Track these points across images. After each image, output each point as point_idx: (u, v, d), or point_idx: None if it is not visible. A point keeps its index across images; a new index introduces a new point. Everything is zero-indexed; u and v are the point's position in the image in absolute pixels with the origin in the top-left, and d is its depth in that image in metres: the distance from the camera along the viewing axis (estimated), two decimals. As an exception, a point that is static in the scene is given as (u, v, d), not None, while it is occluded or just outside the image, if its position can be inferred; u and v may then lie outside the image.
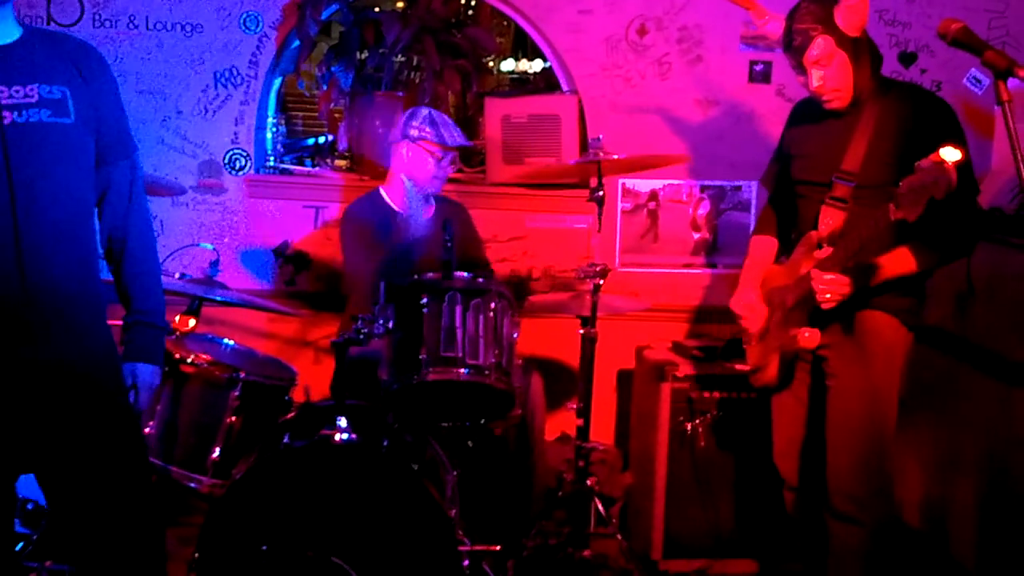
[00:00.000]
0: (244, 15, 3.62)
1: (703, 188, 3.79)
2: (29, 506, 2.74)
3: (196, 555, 2.41)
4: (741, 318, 2.69)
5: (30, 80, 1.83)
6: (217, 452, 2.70)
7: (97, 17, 3.57)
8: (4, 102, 1.79)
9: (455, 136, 3.19)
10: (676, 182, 3.76)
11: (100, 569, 1.94)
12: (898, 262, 2.40)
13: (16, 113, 1.80)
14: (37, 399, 1.85)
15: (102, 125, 1.95)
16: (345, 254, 3.23)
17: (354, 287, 3.21)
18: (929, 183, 2.08)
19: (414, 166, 3.20)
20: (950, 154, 2.05)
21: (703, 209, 3.79)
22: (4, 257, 1.79)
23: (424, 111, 3.22)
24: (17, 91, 1.81)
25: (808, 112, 2.62)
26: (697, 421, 3.17)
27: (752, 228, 2.95)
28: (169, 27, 3.60)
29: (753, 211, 3.77)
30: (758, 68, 3.73)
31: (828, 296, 2.38)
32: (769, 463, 2.76)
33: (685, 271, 3.81)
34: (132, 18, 3.59)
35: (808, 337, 2.49)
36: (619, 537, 3.01)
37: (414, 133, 3.17)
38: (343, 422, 2.54)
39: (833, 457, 2.50)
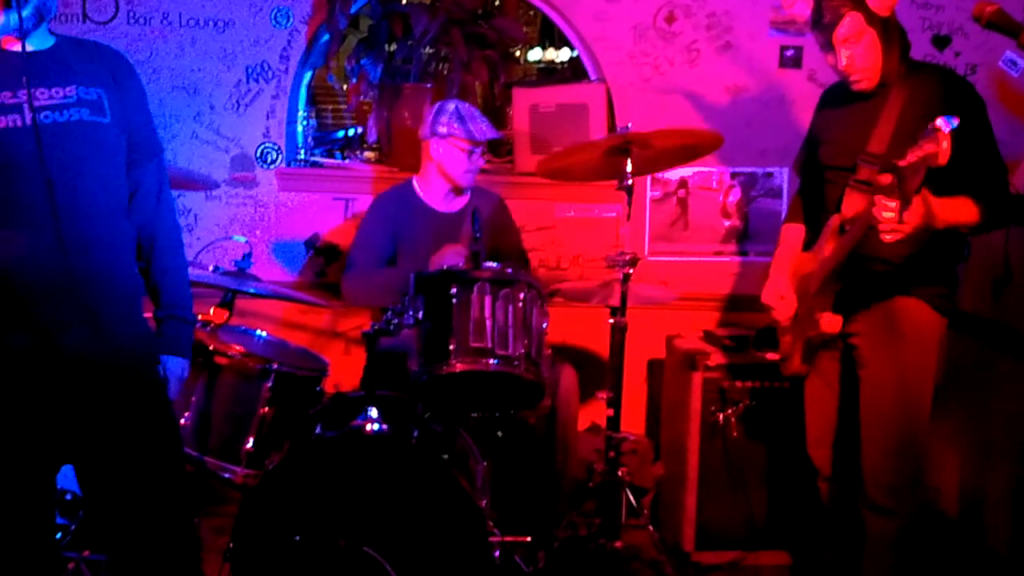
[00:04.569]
0: (274, 10, 3.64)
1: (733, 175, 3.75)
2: (67, 496, 2.79)
3: (231, 545, 2.45)
4: (772, 310, 2.67)
5: (68, 82, 1.89)
6: (251, 442, 2.73)
7: (131, 14, 3.62)
8: (44, 102, 1.86)
9: (484, 130, 3.20)
10: (706, 169, 3.73)
11: (135, 558, 1.97)
12: (958, 208, 2.30)
13: (57, 112, 1.86)
14: (76, 389, 1.89)
15: (132, 127, 2.01)
16: (360, 227, 3.27)
17: (354, 256, 3.22)
18: (925, 154, 2.03)
19: (446, 162, 3.21)
20: (944, 122, 2.02)
21: (733, 196, 3.76)
22: (45, 249, 1.83)
23: (451, 106, 3.23)
24: (56, 92, 1.88)
25: (835, 97, 2.60)
26: (729, 411, 3.15)
27: (783, 216, 2.92)
28: (201, 23, 3.63)
29: (785, 198, 3.73)
30: (788, 53, 3.69)
31: (889, 215, 2.17)
32: (802, 453, 2.73)
33: (716, 259, 3.79)
34: (165, 15, 3.62)
35: (829, 322, 2.46)
36: (651, 528, 3.00)
37: (443, 130, 3.19)
38: (374, 413, 2.56)
39: (867, 447, 2.48)
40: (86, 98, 1.90)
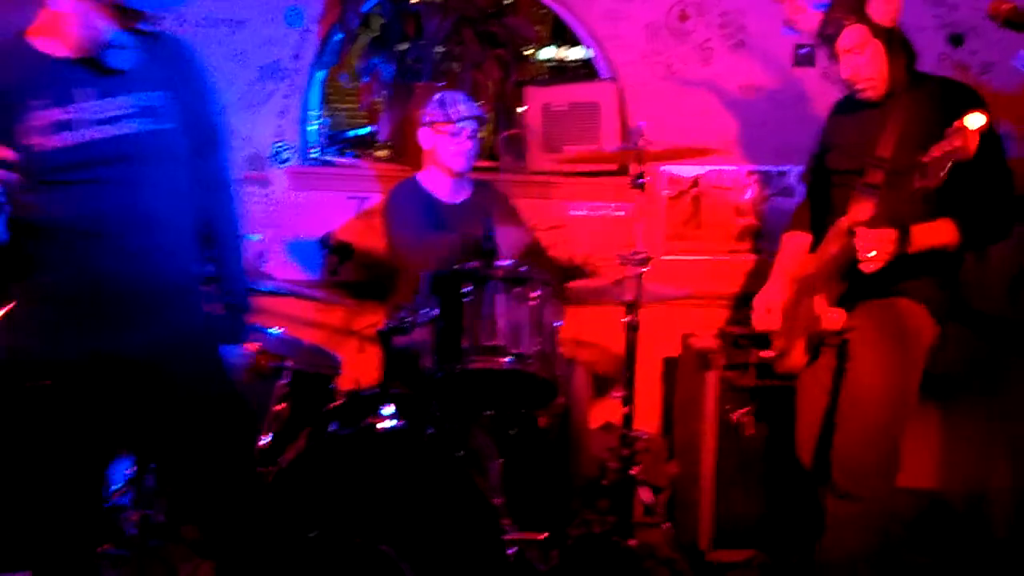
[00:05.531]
0: (287, 10, 3.65)
1: (748, 173, 3.74)
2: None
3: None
4: (754, 314, 2.70)
5: (128, 91, 1.87)
6: (265, 439, 2.73)
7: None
8: (103, 115, 1.84)
9: (460, 110, 3.23)
10: (720, 168, 3.72)
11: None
12: (935, 231, 2.36)
13: (116, 125, 1.85)
14: (138, 387, 1.92)
15: (197, 122, 2.01)
16: (392, 234, 3.27)
17: (406, 263, 3.22)
18: (951, 149, 2.07)
19: (436, 149, 3.26)
20: (973, 120, 2.05)
21: (748, 194, 3.75)
22: (111, 256, 1.86)
23: (436, 96, 3.29)
24: (115, 103, 1.86)
25: (845, 105, 2.64)
26: (743, 410, 3.14)
27: (788, 224, 2.91)
28: (214, 23, 3.64)
29: (798, 196, 3.71)
30: (803, 51, 3.68)
31: (873, 254, 2.29)
32: (791, 458, 2.74)
33: (730, 258, 3.77)
34: (179, 15, 3.63)
35: (832, 318, 2.46)
36: (665, 526, 2.99)
37: (427, 119, 3.26)
38: (388, 410, 2.56)
39: (840, 435, 2.50)
40: (146, 105, 1.88)
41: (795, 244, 2.78)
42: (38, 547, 1.90)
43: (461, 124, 3.22)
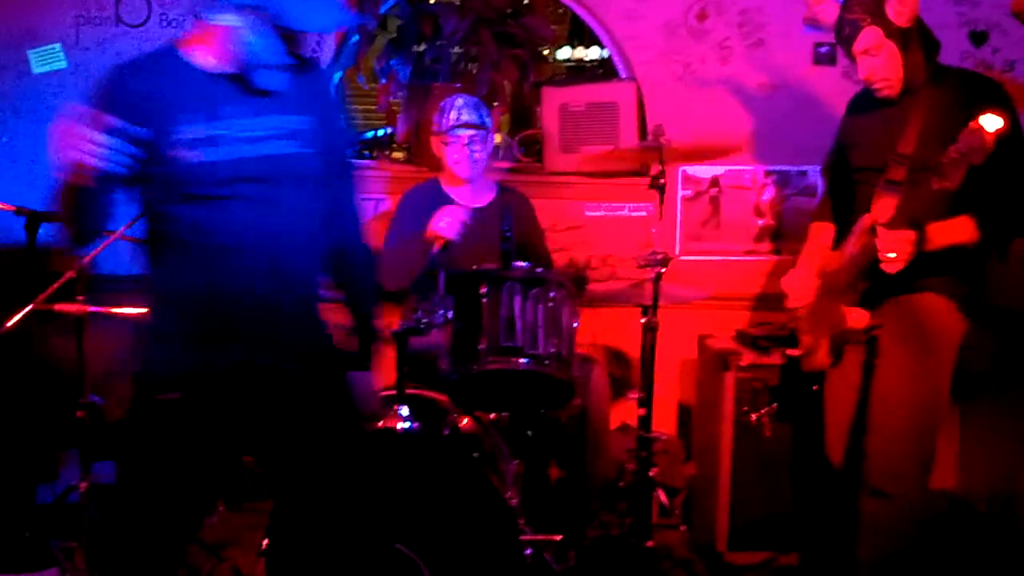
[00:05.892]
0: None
1: (767, 173, 3.72)
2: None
3: (267, 541, 2.46)
4: (787, 296, 2.67)
5: (273, 112, 1.88)
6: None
7: (164, 18, 3.64)
8: (248, 134, 1.85)
9: (451, 118, 3.19)
10: (739, 168, 3.70)
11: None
12: (954, 229, 2.35)
13: (260, 145, 1.86)
14: (265, 400, 1.94)
15: (333, 149, 2.01)
16: (392, 221, 3.30)
17: (387, 242, 3.24)
18: (966, 150, 2.08)
19: (442, 156, 3.26)
20: (989, 122, 2.06)
21: (767, 195, 3.73)
22: (246, 274, 1.87)
23: (442, 104, 3.27)
24: (260, 123, 1.87)
25: (864, 101, 2.62)
26: (762, 411, 3.12)
27: (813, 215, 2.90)
28: (232, 25, 3.65)
29: (819, 196, 3.69)
30: (823, 50, 3.65)
31: (893, 255, 2.30)
32: (820, 457, 2.72)
33: (749, 258, 3.75)
34: (197, 17, 3.65)
35: (856, 318, 2.46)
36: (682, 528, 2.98)
37: (434, 128, 3.27)
38: (404, 411, 2.57)
39: (873, 434, 2.48)
40: (296, 128, 1.90)
41: (822, 233, 2.77)
42: (144, 552, 1.93)
43: (455, 132, 3.20)
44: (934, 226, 2.32)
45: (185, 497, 1.94)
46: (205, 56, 1.84)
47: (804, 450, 3.04)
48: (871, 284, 2.45)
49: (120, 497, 1.97)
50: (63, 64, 3.56)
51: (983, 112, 2.10)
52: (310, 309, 2.02)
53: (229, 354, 1.90)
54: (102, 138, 1.68)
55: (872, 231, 2.38)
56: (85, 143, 1.68)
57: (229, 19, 1.77)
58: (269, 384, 1.94)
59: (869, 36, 2.41)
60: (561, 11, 4.22)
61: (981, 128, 2.05)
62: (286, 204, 1.90)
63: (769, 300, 3.70)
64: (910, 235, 2.29)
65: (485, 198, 3.31)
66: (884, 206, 2.40)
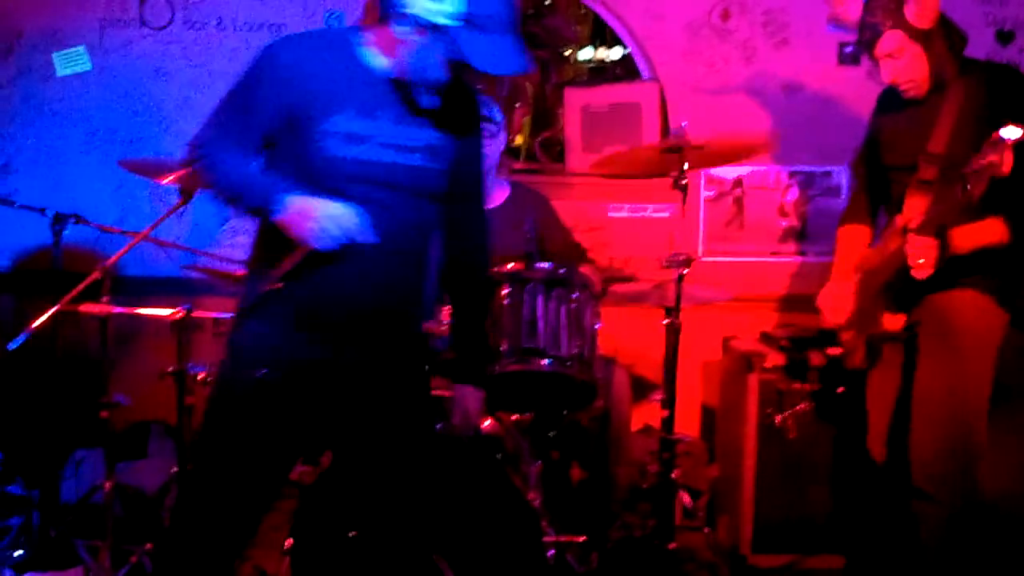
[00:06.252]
0: (327, 13, 3.67)
1: (791, 174, 3.69)
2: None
3: (291, 541, 2.47)
4: (823, 314, 2.65)
5: (421, 125, 1.91)
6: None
7: (187, 19, 3.67)
8: (394, 141, 1.89)
9: None
10: (762, 168, 3.68)
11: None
12: (983, 231, 2.34)
13: (402, 154, 1.89)
14: (347, 396, 1.97)
15: (466, 172, 2.04)
16: None
17: None
18: (986, 164, 2.07)
19: None
20: (1010, 132, 2.05)
21: (791, 195, 3.70)
22: (353, 277, 1.89)
23: None
24: (408, 132, 1.90)
25: (893, 98, 2.59)
26: (787, 413, 3.10)
27: (841, 217, 2.86)
28: (255, 27, 3.67)
29: (844, 197, 3.66)
30: (847, 50, 3.62)
31: (921, 261, 2.30)
32: (862, 456, 2.68)
33: (773, 259, 3.73)
34: (220, 20, 3.67)
35: (892, 320, 2.45)
36: (707, 530, 2.96)
37: None
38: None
39: (916, 435, 2.46)
40: (433, 144, 1.92)
41: (853, 237, 2.73)
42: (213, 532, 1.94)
43: None
44: (959, 231, 2.30)
45: (262, 473, 1.94)
46: (378, 56, 1.87)
47: (845, 450, 3.01)
48: (907, 283, 2.42)
49: (198, 469, 1.99)
50: (87, 66, 3.60)
51: (1008, 115, 2.09)
52: (408, 319, 2.03)
53: (320, 346, 1.92)
54: (336, 221, 1.78)
55: (904, 232, 2.36)
56: (320, 224, 1.78)
57: (410, 33, 1.80)
58: (350, 383, 1.95)
59: (891, 40, 2.40)
60: (583, 11, 4.21)
61: (1002, 140, 2.05)
62: (409, 215, 1.92)
63: (794, 301, 3.68)
64: (934, 243, 2.28)
65: (499, 197, 3.30)
66: (915, 206, 2.38)
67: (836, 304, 2.63)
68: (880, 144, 2.63)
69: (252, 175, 1.88)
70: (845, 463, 3.06)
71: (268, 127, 1.86)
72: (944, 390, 2.42)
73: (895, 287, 2.44)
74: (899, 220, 2.44)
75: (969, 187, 2.12)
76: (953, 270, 2.36)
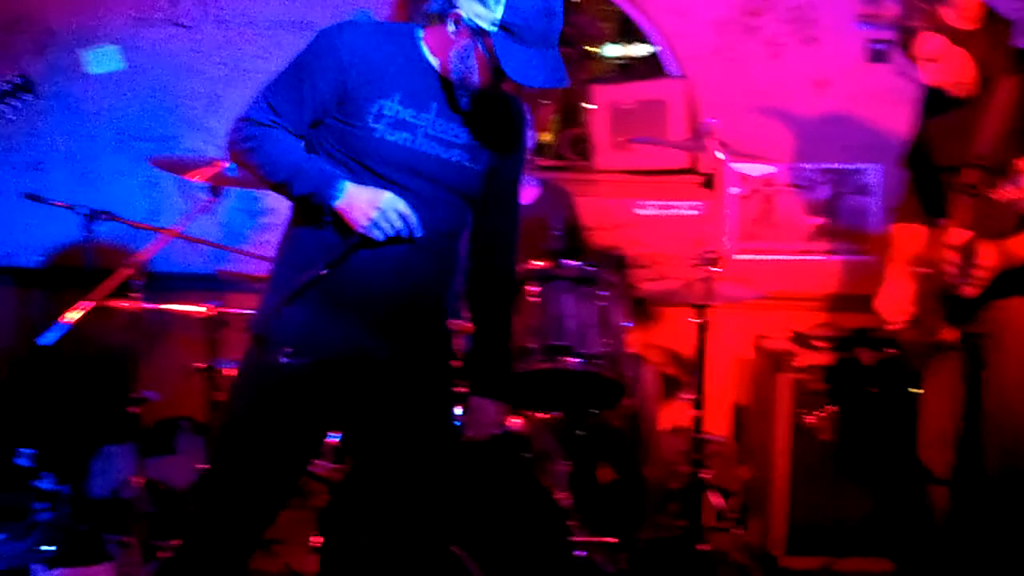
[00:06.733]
0: (356, 12, 3.68)
1: (821, 171, 3.65)
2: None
3: (320, 539, 2.47)
4: (882, 315, 2.59)
5: (463, 124, 1.93)
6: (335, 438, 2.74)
7: (217, 18, 3.69)
8: (437, 134, 1.91)
9: None
10: (792, 165, 3.65)
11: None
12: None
13: (442, 147, 1.91)
14: (369, 387, 1.96)
15: (501, 178, 2.05)
16: None
17: None
18: (1014, 200, 2.05)
19: None
20: None
21: (821, 193, 3.66)
22: (386, 271, 1.90)
23: None
24: (450, 128, 1.92)
25: (939, 97, 2.49)
26: (819, 413, 3.06)
27: (895, 215, 2.78)
28: (285, 25, 3.68)
29: (874, 195, 3.62)
30: (877, 47, 3.58)
31: (974, 273, 2.26)
32: (897, 457, 2.64)
33: (803, 258, 3.69)
34: (249, 18, 3.69)
35: (947, 331, 2.41)
36: (737, 532, 2.93)
37: None
38: (456, 411, 2.55)
39: (990, 449, 2.39)
40: (471, 143, 1.94)
41: (908, 236, 2.65)
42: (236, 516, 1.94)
43: None
44: (1012, 241, 2.26)
45: (283, 460, 1.94)
46: (433, 53, 1.91)
47: (891, 454, 2.98)
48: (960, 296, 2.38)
49: (219, 453, 1.98)
50: (119, 65, 3.62)
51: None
52: (438, 315, 2.03)
53: (353, 336, 1.92)
54: (396, 211, 1.82)
55: (951, 247, 2.32)
56: (381, 213, 1.82)
57: (457, 35, 1.84)
58: (379, 375, 1.95)
59: (929, 43, 2.32)
60: (610, 8, 4.19)
61: (1021, 173, 2.02)
62: (441, 210, 1.93)
63: (827, 300, 3.64)
64: (993, 250, 2.24)
65: (530, 196, 3.28)
66: (961, 213, 2.33)
67: (896, 305, 2.56)
68: (927, 144, 2.55)
69: (306, 159, 1.88)
70: (892, 467, 3.01)
71: (321, 106, 1.87)
72: (1017, 405, 2.35)
73: (949, 296, 2.38)
74: (950, 231, 2.38)
75: (1007, 212, 2.09)
76: (1013, 278, 2.31)
